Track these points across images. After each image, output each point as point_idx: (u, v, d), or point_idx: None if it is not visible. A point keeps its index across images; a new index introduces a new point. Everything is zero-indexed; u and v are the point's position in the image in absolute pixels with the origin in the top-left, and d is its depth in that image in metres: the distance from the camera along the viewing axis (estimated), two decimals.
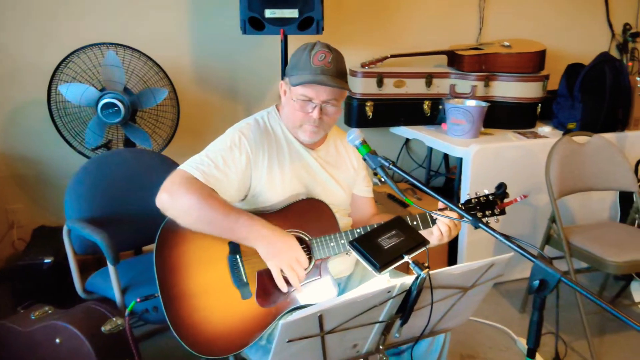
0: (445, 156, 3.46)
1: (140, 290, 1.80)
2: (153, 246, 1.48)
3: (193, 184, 1.45)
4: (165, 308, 1.42)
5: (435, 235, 1.52)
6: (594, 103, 2.96)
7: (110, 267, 1.79)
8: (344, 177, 1.71)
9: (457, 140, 2.84)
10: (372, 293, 1.10)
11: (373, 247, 1.25)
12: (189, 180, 1.45)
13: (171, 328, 1.41)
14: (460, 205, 1.54)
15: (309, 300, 1.50)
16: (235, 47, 3.01)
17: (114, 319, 1.71)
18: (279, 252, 1.43)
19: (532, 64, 3.05)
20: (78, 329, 1.63)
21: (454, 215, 1.48)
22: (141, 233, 1.96)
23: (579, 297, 2.37)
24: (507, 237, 1.19)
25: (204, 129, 2.96)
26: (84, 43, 2.53)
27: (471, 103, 2.92)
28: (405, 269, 1.46)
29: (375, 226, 1.44)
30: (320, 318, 1.09)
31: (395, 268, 1.24)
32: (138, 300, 1.69)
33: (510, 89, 3.03)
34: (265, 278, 1.50)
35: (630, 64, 3.72)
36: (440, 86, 3.09)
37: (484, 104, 2.87)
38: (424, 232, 1.50)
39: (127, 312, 1.69)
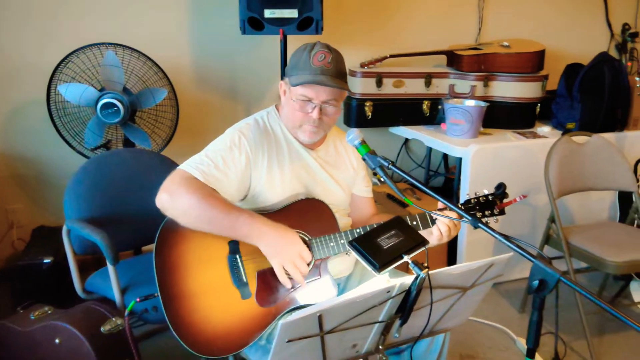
0: (445, 156, 3.46)
1: (139, 290, 1.80)
2: (152, 246, 1.48)
3: (193, 184, 1.45)
4: (165, 308, 1.42)
5: (435, 235, 1.52)
6: (593, 103, 2.97)
7: (110, 267, 1.79)
8: (343, 177, 1.71)
9: (456, 140, 2.84)
10: (372, 293, 1.10)
11: (372, 247, 1.25)
12: (188, 180, 1.45)
13: (171, 328, 1.41)
14: (459, 206, 1.54)
15: (309, 300, 1.50)
16: (234, 47, 3.01)
17: (114, 319, 1.71)
18: (281, 249, 1.43)
19: (531, 64, 3.05)
20: (77, 329, 1.63)
21: (453, 215, 1.49)
22: (141, 233, 1.96)
23: (578, 297, 2.37)
24: (506, 237, 1.19)
25: (203, 129, 2.96)
26: (83, 43, 2.53)
27: (470, 103, 2.92)
28: (405, 269, 1.46)
29: (375, 226, 1.44)
30: (320, 318, 1.09)
31: (395, 267, 1.24)
32: (138, 300, 1.69)
33: (510, 89, 3.03)
34: (265, 278, 1.50)
35: (629, 63, 3.73)
36: (440, 86, 3.09)
37: (483, 104, 2.87)
38: (423, 232, 1.50)
39: (126, 312, 1.69)
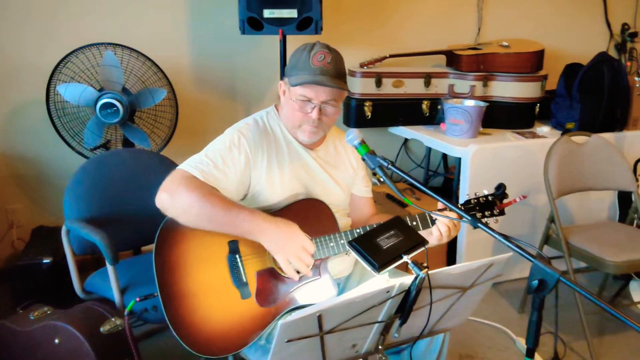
0: (444, 156, 3.47)
1: (139, 290, 1.80)
2: (152, 246, 1.48)
3: (193, 182, 1.45)
4: (165, 307, 1.42)
5: (435, 235, 1.52)
6: (593, 103, 2.97)
7: (109, 267, 1.79)
8: (343, 177, 1.71)
9: (455, 140, 2.84)
10: (371, 293, 1.10)
11: (372, 247, 1.25)
12: (188, 179, 1.46)
13: (170, 327, 1.41)
14: (459, 206, 1.54)
15: (309, 300, 1.50)
16: (234, 47, 3.01)
17: (113, 319, 1.71)
18: (284, 244, 1.44)
19: (530, 63, 3.05)
20: (77, 329, 1.63)
21: (453, 215, 1.49)
22: (140, 233, 1.96)
23: (578, 297, 2.37)
24: (506, 237, 1.19)
25: (202, 129, 2.96)
26: (82, 43, 2.53)
27: (470, 103, 2.92)
28: (405, 268, 1.46)
29: (375, 226, 1.44)
30: (320, 318, 1.09)
31: (395, 267, 1.25)
32: (137, 299, 1.69)
33: (509, 88, 3.03)
34: (265, 278, 1.50)
35: (628, 63, 3.73)
36: (439, 86, 3.09)
37: (482, 103, 2.87)
38: (423, 233, 1.50)
39: (126, 311, 1.69)
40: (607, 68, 2.95)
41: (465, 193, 2.70)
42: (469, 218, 1.26)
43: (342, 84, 1.55)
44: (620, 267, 2.23)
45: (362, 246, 1.26)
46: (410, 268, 1.16)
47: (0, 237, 2.81)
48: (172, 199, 1.44)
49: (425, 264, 1.15)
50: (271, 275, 1.51)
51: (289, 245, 1.44)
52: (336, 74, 1.53)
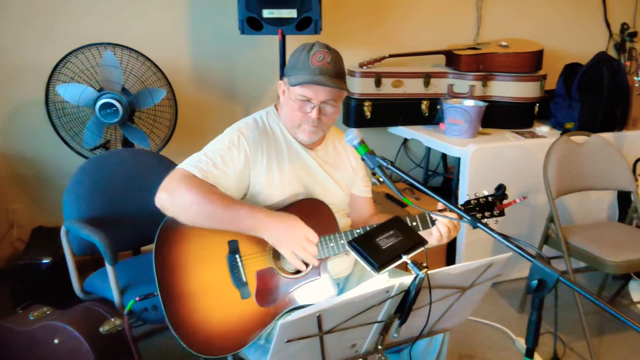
0: (443, 156, 3.47)
1: (138, 290, 1.80)
2: (151, 246, 1.48)
3: (192, 181, 1.45)
4: (165, 307, 1.42)
5: (435, 236, 1.52)
6: (592, 102, 2.97)
7: (109, 268, 1.79)
8: (342, 177, 1.71)
9: (455, 140, 2.84)
10: (371, 293, 1.10)
11: (371, 247, 1.25)
12: (187, 178, 1.46)
13: (170, 327, 1.41)
14: (459, 206, 1.54)
15: (308, 301, 1.50)
16: (233, 47, 3.00)
17: (113, 319, 1.71)
18: (287, 237, 1.44)
19: (529, 63, 3.05)
20: (76, 329, 1.63)
21: (453, 215, 1.49)
22: (140, 233, 1.96)
23: (577, 297, 2.38)
24: (505, 237, 1.19)
25: (202, 129, 2.96)
26: (82, 43, 2.52)
27: (469, 103, 2.92)
28: (405, 268, 1.46)
29: (374, 226, 1.44)
30: (319, 318, 1.09)
31: (396, 267, 1.25)
32: (137, 299, 1.69)
33: (508, 88, 3.03)
34: (265, 278, 1.50)
35: (628, 63, 3.73)
36: (438, 86, 3.09)
37: (481, 103, 2.87)
38: (423, 233, 1.50)
39: (125, 311, 1.69)
40: (606, 68, 2.95)
41: (464, 193, 2.70)
42: (469, 218, 1.26)
43: (342, 83, 1.55)
44: (619, 266, 2.23)
45: (361, 246, 1.26)
46: (410, 268, 1.16)
47: (0, 237, 2.81)
48: (171, 198, 1.44)
49: (424, 264, 1.15)
50: (271, 275, 1.51)
51: (292, 238, 1.44)
52: (335, 73, 1.53)
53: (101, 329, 1.68)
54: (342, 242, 1.52)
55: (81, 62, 2.52)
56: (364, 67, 3.05)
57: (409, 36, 3.34)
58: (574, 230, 2.48)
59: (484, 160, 2.69)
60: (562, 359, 2.28)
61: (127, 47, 2.56)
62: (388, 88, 3.03)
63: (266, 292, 1.49)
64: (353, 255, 1.29)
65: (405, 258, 1.22)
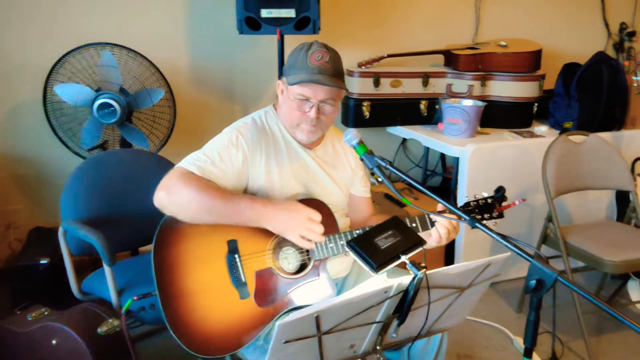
0: (442, 156, 3.46)
1: (136, 291, 1.79)
2: (150, 247, 1.47)
3: (190, 177, 1.45)
4: (163, 306, 1.42)
5: (434, 237, 1.52)
6: (591, 102, 2.97)
7: (107, 268, 1.79)
8: (341, 177, 1.71)
9: (453, 139, 2.84)
10: (369, 293, 1.10)
11: (370, 248, 1.25)
12: (185, 175, 1.46)
13: (168, 327, 1.41)
14: (458, 207, 1.54)
15: (307, 301, 1.50)
16: (231, 47, 3.00)
17: (110, 320, 1.71)
18: (290, 222, 1.44)
19: (528, 63, 3.05)
20: (74, 330, 1.63)
21: (452, 216, 1.48)
22: (138, 234, 1.96)
23: (575, 297, 2.37)
24: (504, 237, 1.19)
25: (200, 129, 2.95)
26: (79, 43, 2.52)
27: (468, 102, 2.92)
28: (404, 268, 1.46)
29: (373, 226, 1.44)
30: (318, 318, 1.09)
31: (395, 266, 1.24)
32: (135, 298, 1.68)
33: (507, 88, 3.03)
34: (264, 278, 1.50)
35: (626, 63, 3.73)
36: (437, 86, 3.09)
37: (480, 103, 2.87)
38: (422, 234, 1.49)
39: (123, 310, 1.68)
40: (605, 67, 2.95)
41: (463, 192, 2.70)
42: (467, 218, 1.26)
43: (340, 82, 1.55)
44: (618, 266, 2.23)
45: (360, 246, 1.26)
46: (409, 268, 1.16)
47: None
48: (170, 196, 1.44)
49: (423, 264, 1.15)
50: (270, 275, 1.51)
51: (295, 222, 1.44)
52: (334, 73, 1.53)
53: (99, 330, 1.68)
54: (341, 242, 1.52)
55: (79, 62, 2.52)
56: (363, 67, 3.05)
57: (408, 36, 3.34)
58: (573, 229, 2.48)
59: (482, 160, 2.69)
60: (561, 358, 2.28)
61: (126, 47, 2.55)
62: (387, 88, 3.03)
63: (265, 292, 1.49)
64: (352, 255, 1.29)
65: (404, 258, 1.22)
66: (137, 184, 2.02)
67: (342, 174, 1.71)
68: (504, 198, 1.56)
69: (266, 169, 1.57)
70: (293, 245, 1.55)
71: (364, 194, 1.79)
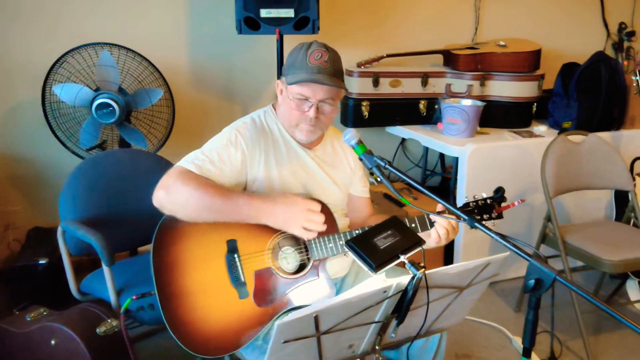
0: (441, 156, 3.46)
1: (135, 291, 1.79)
2: (149, 247, 1.47)
3: (188, 176, 1.45)
4: (162, 306, 1.42)
5: (433, 237, 1.52)
6: (590, 102, 2.97)
7: (105, 269, 1.78)
8: (340, 177, 1.71)
9: (452, 139, 2.84)
10: (368, 293, 1.10)
11: (369, 247, 1.25)
12: (184, 174, 1.46)
13: (167, 326, 1.41)
14: (457, 207, 1.53)
15: (306, 301, 1.50)
16: (230, 47, 3.00)
17: (109, 320, 1.71)
18: (289, 216, 1.45)
19: (527, 63, 3.05)
20: (73, 330, 1.63)
21: (451, 216, 1.48)
22: (136, 234, 1.95)
23: (574, 296, 2.38)
24: (502, 237, 1.19)
25: (199, 129, 2.95)
26: (78, 43, 2.52)
27: (467, 102, 2.92)
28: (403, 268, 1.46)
29: (372, 226, 1.44)
30: (316, 319, 1.08)
31: (394, 266, 1.24)
32: (134, 297, 1.68)
33: (506, 88, 3.03)
34: (263, 278, 1.50)
35: (625, 62, 3.74)
36: (436, 86, 3.09)
37: (479, 103, 2.87)
38: (421, 235, 1.49)
39: (122, 309, 1.68)
40: (604, 67, 2.95)
41: (462, 192, 2.70)
42: (467, 217, 1.26)
43: (340, 82, 1.55)
44: (616, 266, 2.23)
45: (359, 246, 1.26)
46: (407, 268, 1.16)
47: None
48: (168, 195, 1.44)
49: (422, 264, 1.15)
50: (269, 275, 1.50)
51: (295, 215, 1.44)
52: (333, 72, 1.53)
53: (98, 330, 1.67)
54: (340, 242, 1.52)
55: (77, 62, 2.51)
56: (362, 67, 3.05)
57: (407, 36, 3.34)
58: (572, 229, 2.48)
59: (481, 159, 2.69)
60: (559, 358, 2.28)
61: (124, 47, 2.55)
62: (386, 88, 3.03)
63: (264, 292, 1.49)
64: (351, 255, 1.29)
65: (403, 258, 1.22)
66: (136, 184, 2.02)
67: (342, 174, 1.71)
68: (503, 199, 1.56)
69: (265, 169, 1.57)
70: (292, 245, 1.55)
71: (363, 194, 1.79)
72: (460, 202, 1.58)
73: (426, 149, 3.26)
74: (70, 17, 2.73)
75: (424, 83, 3.07)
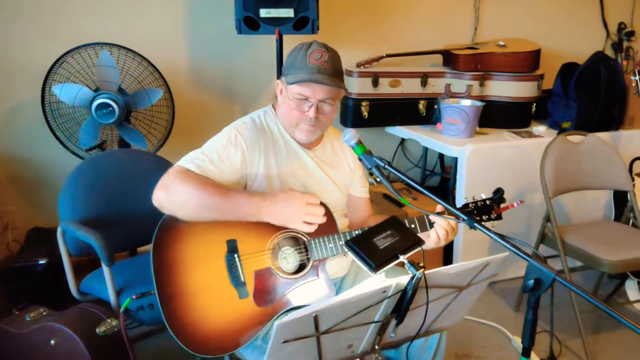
0: (441, 156, 3.47)
1: (135, 291, 1.79)
2: (148, 247, 1.47)
3: (187, 175, 1.45)
4: (162, 306, 1.42)
5: (433, 238, 1.52)
6: (589, 102, 2.97)
7: (105, 269, 1.79)
8: (340, 177, 1.71)
9: (452, 139, 2.85)
10: (368, 293, 1.10)
11: (368, 247, 1.25)
12: (183, 173, 1.46)
13: (167, 326, 1.41)
14: (457, 208, 1.54)
15: (306, 301, 1.50)
16: (230, 47, 3.00)
17: (109, 320, 1.71)
18: (289, 212, 1.45)
19: (527, 63, 3.06)
20: (73, 330, 1.63)
21: (451, 216, 1.48)
22: (136, 234, 1.96)
23: (573, 296, 2.38)
24: (502, 237, 1.19)
25: (199, 129, 2.95)
26: (78, 43, 2.52)
27: (466, 102, 2.92)
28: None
29: (372, 226, 1.44)
30: (316, 318, 1.09)
31: (395, 266, 1.25)
32: (134, 297, 1.68)
33: (506, 88, 3.04)
34: (263, 278, 1.50)
35: (625, 62, 3.74)
36: (436, 86, 3.09)
37: (479, 103, 2.87)
38: (421, 235, 1.50)
39: (122, 309, 1.68)
40: (603, 67, 2.95)
41: (461, 192, 2.70)
42: (466, 218, 1.26)
43: (340, 82, 1.55)
44: (615, 265, 2.24)
45: (358, 246, 1.26)
46: (407, 268, 1.16)
47: None
48: (168, 195, 1.44)
49: (421, 264, 1.15)
50: (269, 275, 1.51)
51: (294, 210, 1.45)
52: (333, 72, 1.53)
53: (97, 330, 1.68)
54: (340, 243, 1.52)
55: (77, 62, 2.51)
56: (362, 67, 3.05)
57: (407, 36, 3.34)
58: (571, 229, 2.48)
59: (481, 160, 2.70)
60: (559, 357, 2.28)
61: (124, 47, 2.55)
62: (385, 88, 3.03)
63: (264, 292, 1.49)
64: (351, 255, 1.29)
65: (402, 258, 1.22)
66: (136, 184, 2.02)
67: (341, 174, 1.71)
68: (502, 200, 1.56)
69: (265, 169, 1.57)
70: (292, 245, 1.56)
71: (362, 195, 1.79)
72: (459, 202, 1.58)
73: (425, 149, 3.27)
74: (70, 17, 2.73)
75: (424, 83, 3.07)
